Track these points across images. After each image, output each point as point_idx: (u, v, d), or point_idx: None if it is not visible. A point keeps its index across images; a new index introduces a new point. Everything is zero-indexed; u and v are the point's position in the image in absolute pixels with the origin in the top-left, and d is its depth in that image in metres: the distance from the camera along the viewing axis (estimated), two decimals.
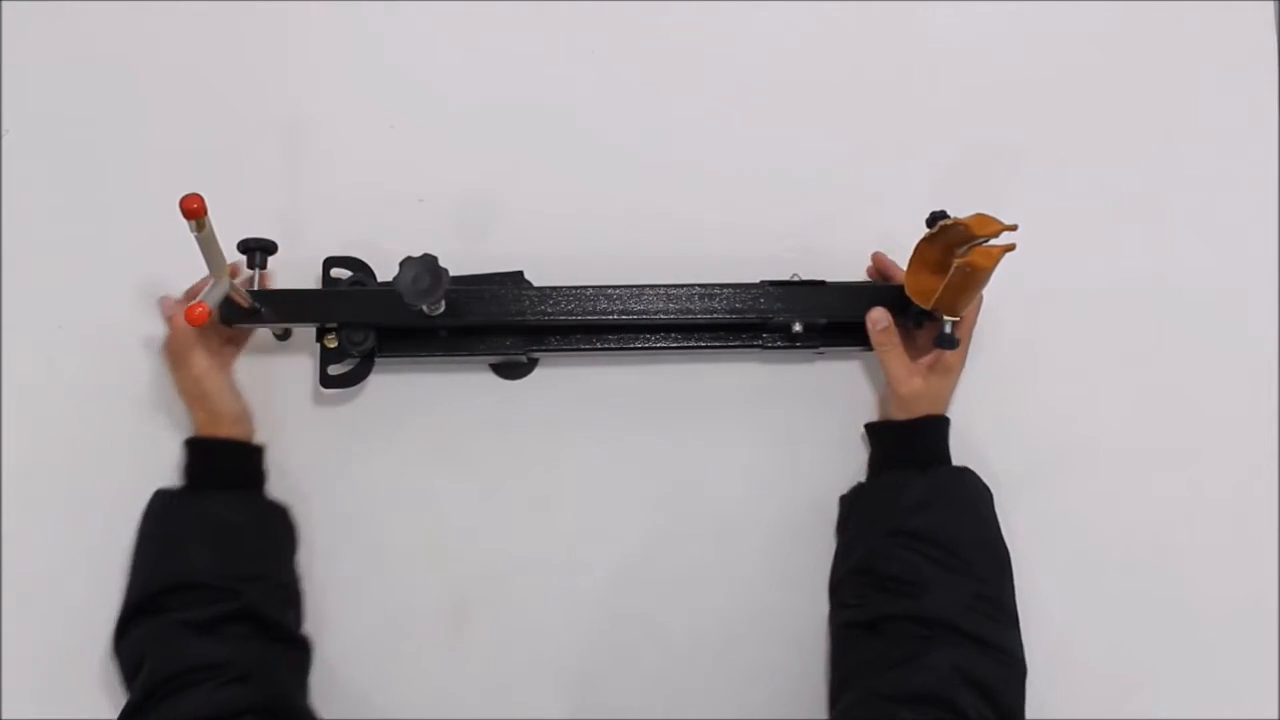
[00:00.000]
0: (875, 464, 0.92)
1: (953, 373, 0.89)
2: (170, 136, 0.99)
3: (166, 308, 0.88)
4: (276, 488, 0.91)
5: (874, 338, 0.88)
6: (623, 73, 1.03)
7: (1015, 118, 1.04)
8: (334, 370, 0.92)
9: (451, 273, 0.80)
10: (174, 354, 0.87)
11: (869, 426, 0.93)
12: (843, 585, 0.86)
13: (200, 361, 0.85)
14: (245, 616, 0.79)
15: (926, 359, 0.89)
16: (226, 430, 0.87)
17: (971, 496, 0.86)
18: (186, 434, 0.88)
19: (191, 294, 0.89)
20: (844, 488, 0.94)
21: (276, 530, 0.88)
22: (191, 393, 0.87)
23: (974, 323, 0.89)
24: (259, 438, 0.93)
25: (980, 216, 0.78)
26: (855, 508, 0.89)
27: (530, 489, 0.95)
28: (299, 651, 0.84)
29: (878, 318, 0.88)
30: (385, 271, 0.93)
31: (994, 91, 1.04)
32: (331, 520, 0.92)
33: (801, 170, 1.01)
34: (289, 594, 0.86)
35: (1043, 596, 0.93)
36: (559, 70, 1.02)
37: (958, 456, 0.94)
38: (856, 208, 1.00)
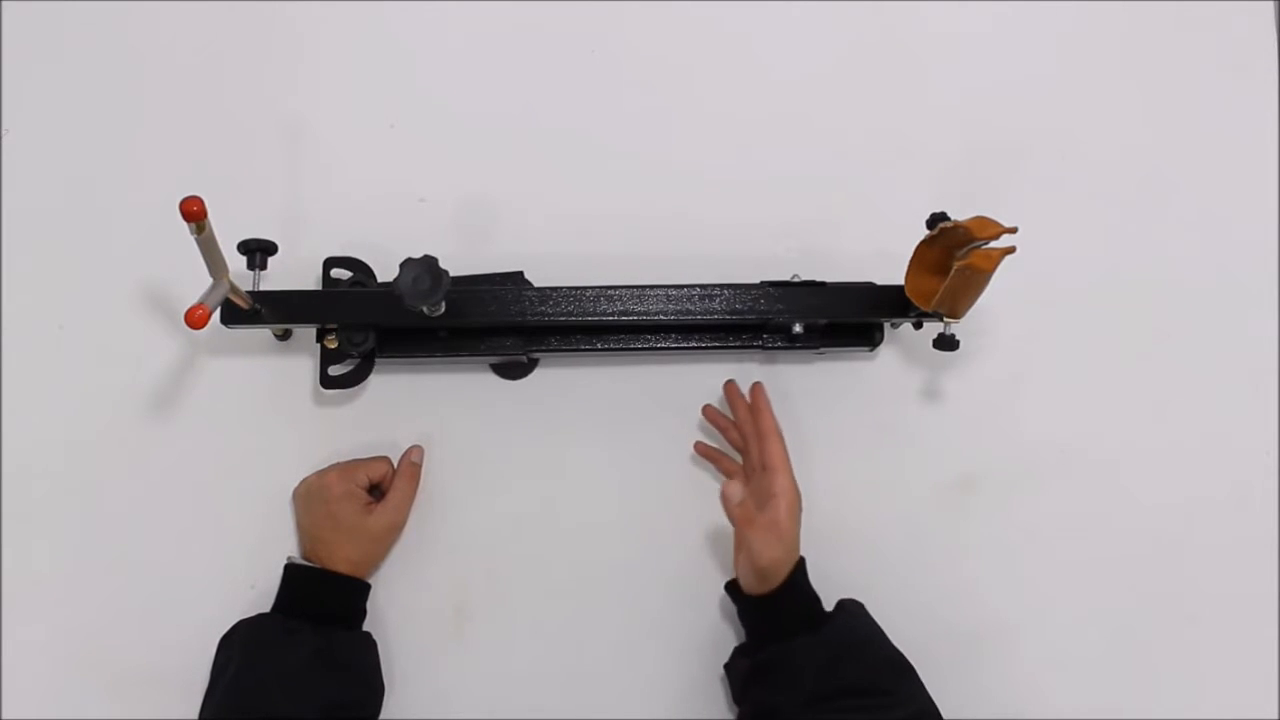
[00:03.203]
0: (754, 632, 0.87)
1: (792, 518, 0.84)
2: (170, 137, 0.99)
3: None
4: (276, 487, 0.92)
5: (731, 512, 0.83)
6: (623, 73, 1.03)
7: (1015, 118, 1.04)
8: (334, 371, 0.92)
9: (452, 273, 0.79)
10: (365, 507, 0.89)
11: (734, 593, 0.88)
12: None
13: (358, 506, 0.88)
14: None
15: (762, 518, 0.83)
16: (347, 567, 0.87)
17: (864, 629, 0.84)
18: (192, 441, 0.88)
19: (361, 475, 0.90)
20: (845, 489, 0.94)
21: (377, 669, 0.88)
22: (370, 533, 0.88)
23: (785, 456, 0.86)
24: (260, 438, 0.93)
25: (980, 219, 0.78)
26: (756, 682, 0.84)
27: (530, 489, 0.95)
28: None
29: (730, 494, 0.82)
30: (385, 272, 0.93)
31: (994, 92, 1.04)
32: None
33: (802, 171, 1.01)
34: None
35: (1042, 596, 0.94)
36: (559, 70, 1.02)
37: (961, 456, 0.95)
38: (857, 209, 1.00)
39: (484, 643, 0.92)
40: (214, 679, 0.83)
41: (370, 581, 0.89)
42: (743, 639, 0.89)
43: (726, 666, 0.89)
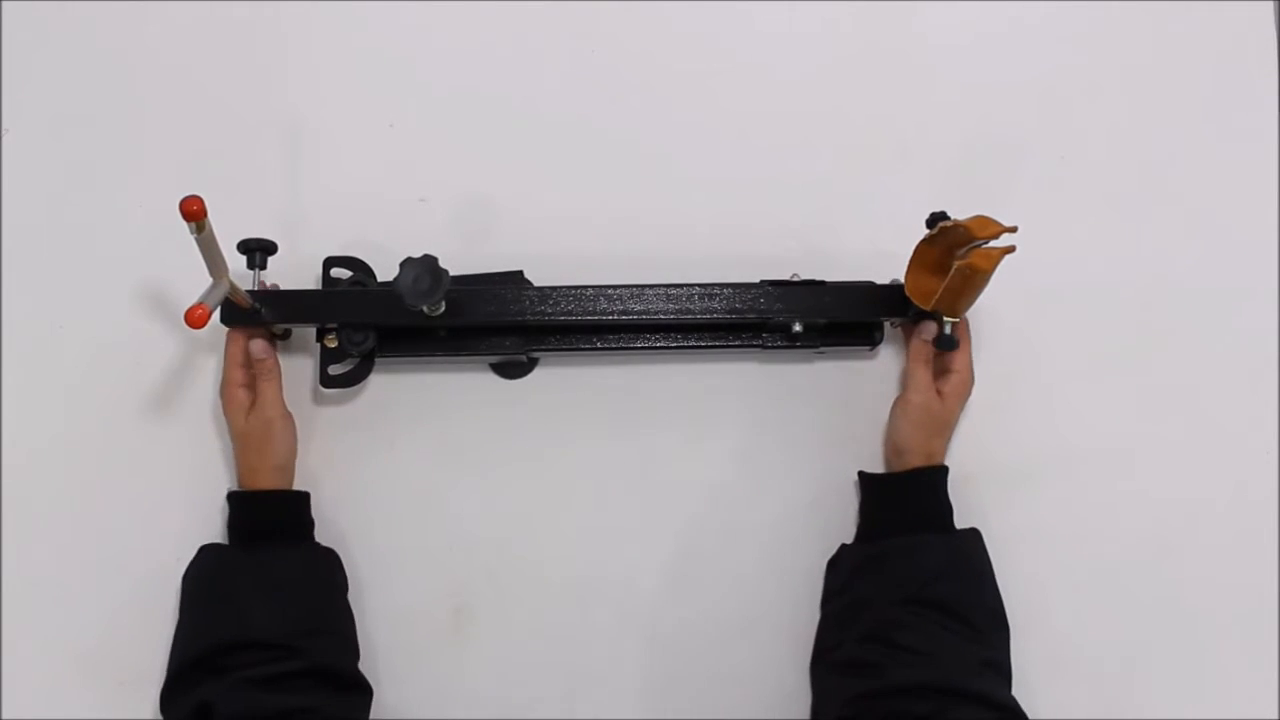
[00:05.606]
0: (876, 520, 0.91)
1: (959, 399, 0.90)
2: (170, 137, 0.99)
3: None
4: None
5: (914, 344, 0.91)
6: (623, 73, 1.03)
7: (1015, 117, 1.03)
8: (334, 370, 0.92)
9: (451, 272, 0.80)
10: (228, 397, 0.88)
11: (865, 477, 0.92)
12: (844, 649, 0.84)
13: (244, 402, 0.87)
14: (310, 672, 0.80)
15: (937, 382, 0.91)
16: (267, 480, 0.86)
17: (983, 563, 0.87)
18: (192, 441, 0.89)
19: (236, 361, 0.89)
20: (845, 488, 0.94)
21: (329, 578, 0.87)
22: (245, 437, 0.87)
23: (970, 355, 0.91)
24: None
25: (980, 218, 0.78)
26: (865, 571, 0.87)
27: (530, 489, 0.95)
28: (362, 694, 0.85)
29: (929, 329, 0.89)
30: (385, 271, 0.93)
31: (994, 91, 1.04)
32: (332, 520, 0.92)
33: (801, 170, 1.01)
34: (346, 640, 0.86)
35: (1042, 596, 0.93)
36: (559, 70, 1.02)
37: (962, 456, 0.95)
38: (856, 208, 1.00)
39: (484, 643, 0.92)
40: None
41: (301, 490, 0.89)
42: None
43: (832, 561, 0.90)
